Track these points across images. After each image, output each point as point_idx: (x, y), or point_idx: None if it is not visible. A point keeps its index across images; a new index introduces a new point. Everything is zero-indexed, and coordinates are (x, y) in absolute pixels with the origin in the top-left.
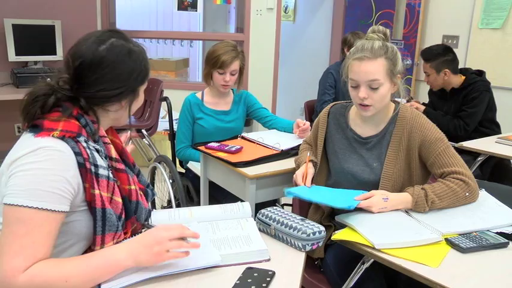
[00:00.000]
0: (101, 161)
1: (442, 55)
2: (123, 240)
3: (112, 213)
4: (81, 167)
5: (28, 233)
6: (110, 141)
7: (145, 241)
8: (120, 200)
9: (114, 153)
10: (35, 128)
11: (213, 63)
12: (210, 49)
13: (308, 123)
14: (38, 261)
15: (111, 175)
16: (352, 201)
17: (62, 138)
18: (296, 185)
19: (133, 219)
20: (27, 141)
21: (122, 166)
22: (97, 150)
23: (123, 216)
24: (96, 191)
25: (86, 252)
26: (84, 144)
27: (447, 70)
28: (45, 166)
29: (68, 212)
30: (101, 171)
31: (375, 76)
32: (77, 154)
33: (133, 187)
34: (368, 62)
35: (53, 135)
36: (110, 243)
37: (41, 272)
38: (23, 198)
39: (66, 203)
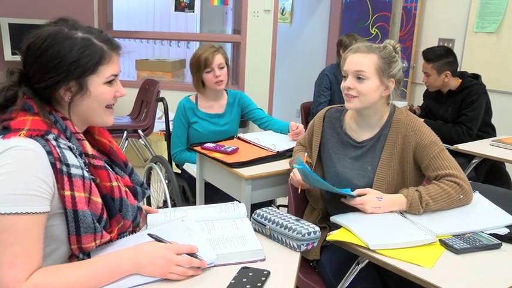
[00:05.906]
0: (73, 160)
1: (444, 56)
2: (108, 240)
3: (87, 215)
4: (52, 167)
5: (17, 241)
6: (84, 138)
7: (153, 258)
8: (99, 199)
9: (90, 150)
10: (4, 130)
11: (197, 66)
12: (191, 59)
13: (301, 125)
14: (36, 269)
15: (86, 174)
16: (347, 191)
17: (30, 137)
18: (293, 186)
19: (118, 218)
20: None
21: (100, 163)
22: (69, 148)
23: (105, 215)
24: (67, 192)
25: (70, 256)
26: (54, 143)
27: (448, 72)
28: (17, 168)
29: (47, 214)
30: (74, 171)
31: (362, 67)
32: (48, 153)
33: (115, 184)
34: (361, 54)
35: (19, 135)
36: (91, 244)
37: (44, 281)
38: (1, 206)
39: (46, 202)
